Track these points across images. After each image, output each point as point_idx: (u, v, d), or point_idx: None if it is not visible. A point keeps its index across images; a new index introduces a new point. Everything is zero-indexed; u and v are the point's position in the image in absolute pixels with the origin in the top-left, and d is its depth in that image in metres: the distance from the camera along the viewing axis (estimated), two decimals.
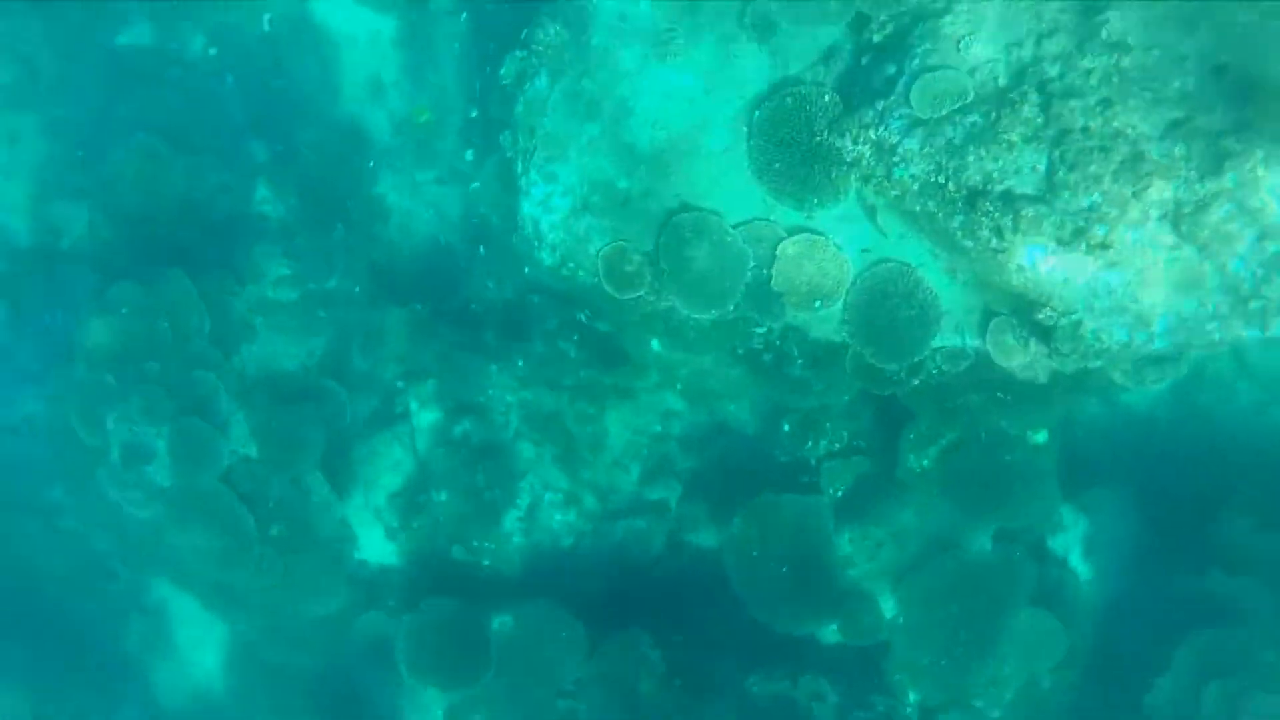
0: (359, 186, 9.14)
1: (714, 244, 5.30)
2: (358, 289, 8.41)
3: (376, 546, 8.13)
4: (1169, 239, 4.04)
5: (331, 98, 9.27)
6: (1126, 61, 4.06)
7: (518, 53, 5.76)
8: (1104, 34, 4.10)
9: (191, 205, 7.92)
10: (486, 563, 7.89)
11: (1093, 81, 4.09)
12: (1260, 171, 3.88)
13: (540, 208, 5.73)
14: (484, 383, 8.01)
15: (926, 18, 4.60)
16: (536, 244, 5.87)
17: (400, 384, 7.88)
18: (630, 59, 5.40)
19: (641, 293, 5.63)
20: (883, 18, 4.79)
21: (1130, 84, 4.05)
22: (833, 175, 4.99)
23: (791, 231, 5.20)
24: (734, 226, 5.29)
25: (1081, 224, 4.08)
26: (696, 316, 5.63)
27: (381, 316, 8.24)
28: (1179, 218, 4.00)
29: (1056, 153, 4.09)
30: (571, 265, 5.79)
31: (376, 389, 8.04)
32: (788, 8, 5.07)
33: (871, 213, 5.03)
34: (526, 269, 7.49)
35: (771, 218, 5.27)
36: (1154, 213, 4.01)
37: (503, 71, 5.92)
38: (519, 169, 5.85)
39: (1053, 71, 4.18)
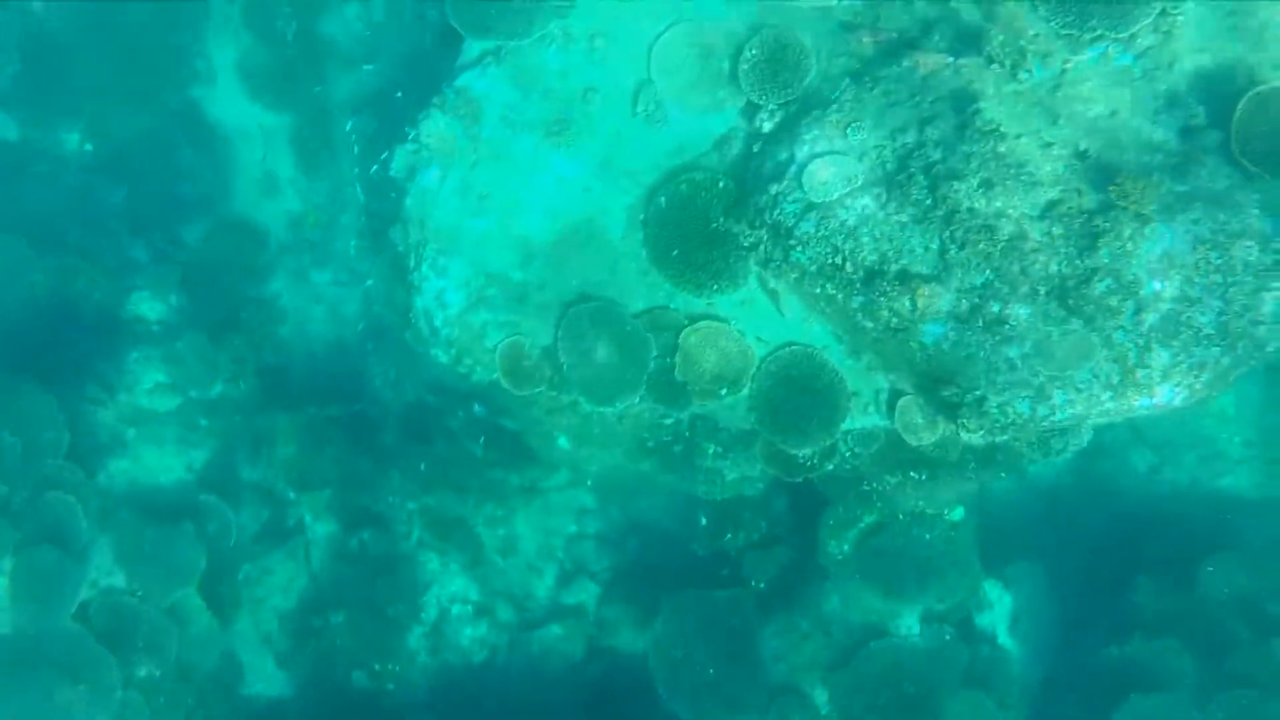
0: (251, 286, 8.71)
1: (614, 335, 5.14)
2: (246, 394, 7.87)
3: (267, 678, 7.36)
4: (1058, 312, 4.09)
5: (223, 195, 8.90)
6: (1002, 147, 4.19)
7: (408, 145, 5.61)
8: (978, 122, 4.22)
9: (57, 308, 7.32)
10: (390, 687, 7.23)
11: (973, 165, 4.18)
12: (1130, 247, 4.00)
13: (434, 303, 5.48)
14: (383, 489, 7.52)
15: (814, 107, 4.69)
16: (431, 341, 5.59)
17: (292, 495, 7.31)
18: (523, 149, 5.31)
19: (542, 388, 5.39)
20: (772, 106, 4.86)
21: (1007, 167, 4.16)
22: (731, 261, 4.94)
23: (693, 319, 5.10)
24: (634, 316, 5.15)
25: (977, 301, 4.09)
26: (601, 410, 5.41)
27: (272, 423, 7.71)
28: (1065, 293, 4.06)
29: (947, 232, 4.13)
30: (468, 362, 5.51)
31: (267, 502, 7.44)
32: (680, 97, 5.11)
33: (773, 297, 4.99)
34: (424, 368, 7.18)
35: (672, 305, 5.16)
36: (1042, 289, 4.07)
37: (394, 165, 5.74)
38: (411, 264, 5.61)
39: (936, 155, 4.27)
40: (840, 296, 4.50)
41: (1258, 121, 4.19)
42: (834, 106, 4.57)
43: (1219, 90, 4.36)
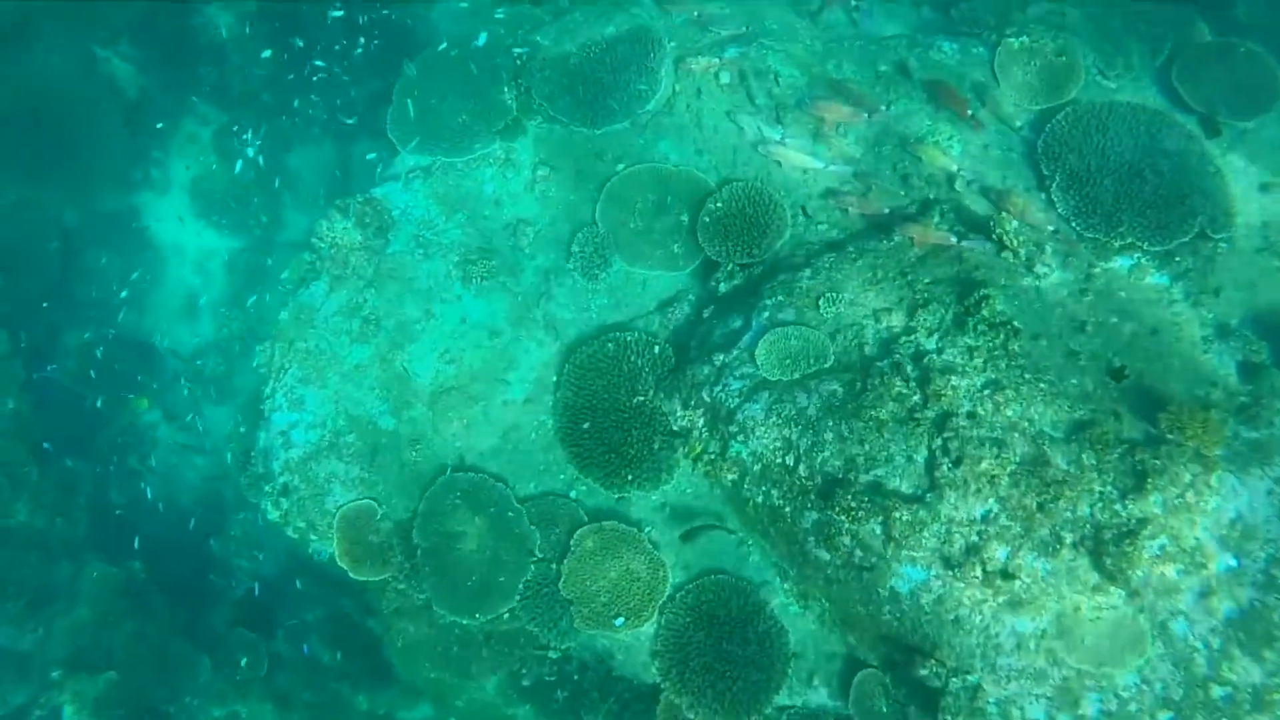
0: (121, 411, 7.47)
1: (491, 520, 3.86)
2: (59, 532, 6.35)
3: None
4: (1090, 575, 2.89)
5: (130, 306, 7.90)
6: (1015, 345, 3.21)
7: (305, 255, 4.67)
8: (985, 312, 3.28)
9: None
10: None
11: (977, 361, 3.19)
12: (1190, 497, 2.89)
13: (277, 440, 4.25)
14: (185, 684, 5.78)
15: (782, 270, 3.79)
16: (263, 488, 4.28)
17: (56, 674, 5.54)
18: (430, 275, 4.35)
19: (388, 575, 4.02)
20: (732, 266, 3.97)
21: (1021, 370, 3.17)
22: (655, 446, 3.79)
23: (595, 516, 3.84)
24: (521, 501, 3.91)
25: (975, 539, 2.90)
26: (460, 621, 3.99)
27: (75, 573, 6.13)
28: (1100, 546, 2.88)
29: (939, 441, 3.03)
30: (302, 524, 4.17)
31: (21, 679, 5.66)
32: (626, 244, 4.25)
33: (701, 502, 3.78)
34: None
35: (573, 494, 3.94)
36: (1067, 536, 2.89)
37: (284, 275, 4.78)
38: (266, 390, 4.45)
39: (929, 344, 3.29)
40: (788, 510, 3.30)
41: None
42: (807, 272, 3.66)
43: (1276, 327, 3.52)
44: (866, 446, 3.12)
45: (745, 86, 4.36)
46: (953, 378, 3.11)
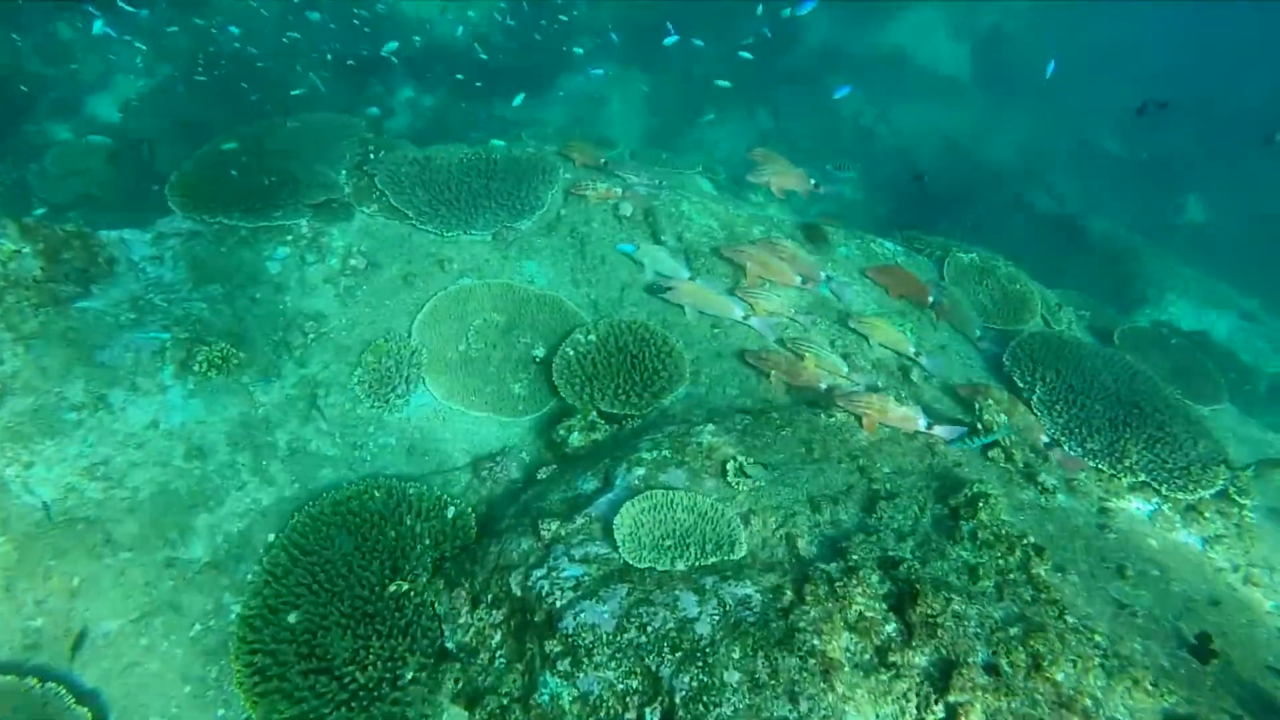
0: None
1: None
2: None
3: None
4: None
5: None
6: (1041, 571, 1.96)
7: None
8: (983, 515, 2.07)
9: None
10: None
11: (984, 584, 1.88)
12: None
13: None
14: None
15: (673, 422, 2.49)
16: None
17: None
18: (128, 348, 2.76)
19: None
20: (593, 415, 2.64)
21: (1058, 611, 1.88)
22: (406, 675, 2.08)
23: None
24: None
25: None
26: None
27: None
28: None
29: (938, 711, 1.58)
30: None
31: None
32: (448, 373, 2.87)
33: None
34: None
35: None
36: None
37: None
38: None
39: (900, 551, 1.97)
40: None
41: None
42: (709, 428, 2.39)
43: None
44: (802, 707, 1.61)
45: (650, 224, 3.41)
46: (954, 600, 1.76)
